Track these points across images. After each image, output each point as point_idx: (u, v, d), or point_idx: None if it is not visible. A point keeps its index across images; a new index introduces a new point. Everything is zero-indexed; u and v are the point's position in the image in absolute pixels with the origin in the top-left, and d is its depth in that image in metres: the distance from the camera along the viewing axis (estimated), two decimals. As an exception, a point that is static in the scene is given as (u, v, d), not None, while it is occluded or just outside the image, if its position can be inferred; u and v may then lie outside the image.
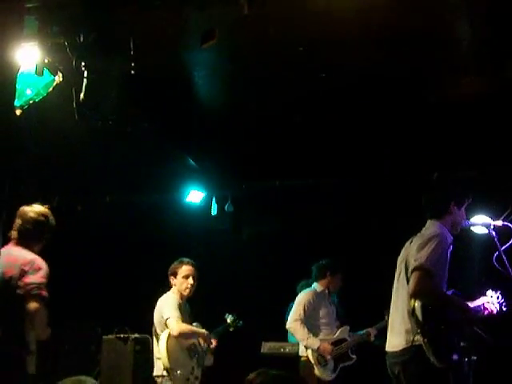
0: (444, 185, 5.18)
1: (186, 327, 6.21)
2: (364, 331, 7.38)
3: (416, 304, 4.54)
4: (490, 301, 4.90)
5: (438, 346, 4.46)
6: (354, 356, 7.32)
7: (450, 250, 4.81)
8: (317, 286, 7.46)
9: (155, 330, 6.29)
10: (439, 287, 4.63)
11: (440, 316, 4.56)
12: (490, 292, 4.92)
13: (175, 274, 6.46)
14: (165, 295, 6.41)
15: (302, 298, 7.37)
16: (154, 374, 6.21)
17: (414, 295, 4.56)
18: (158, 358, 6.13)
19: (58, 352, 8.54)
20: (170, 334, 6.09)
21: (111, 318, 8.27)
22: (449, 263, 4.78)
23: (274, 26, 5.27)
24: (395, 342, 4.75)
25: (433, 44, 5.51)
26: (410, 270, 4.63)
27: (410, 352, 4.56)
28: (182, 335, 6.15)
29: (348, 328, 7.38)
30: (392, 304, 4.89)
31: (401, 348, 4.66)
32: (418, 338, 4.49)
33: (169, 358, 6.01)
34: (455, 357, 4.53)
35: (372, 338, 7.26)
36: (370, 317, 7.34)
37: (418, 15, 5.12)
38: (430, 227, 4.87)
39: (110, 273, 9.06)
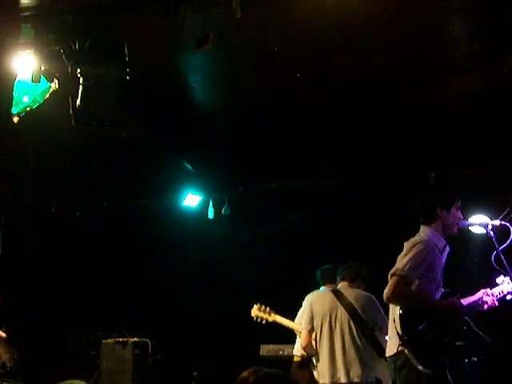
0: (428, 191, 5.15)
1: None
2: None
3: (396, 313, 4.58)
4: (495, 291, 4.85)
5: (422, 354, 4.46)
6: None
7: (444, 254, 4.83)
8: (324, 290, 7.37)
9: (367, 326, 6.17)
10: (415, 292, 4.64)
11: (423, 322, 4.54)
12: (501, 277, 4.88)
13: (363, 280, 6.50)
14: (370, 296, 6.27)
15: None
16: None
17: (387, 300, 4.64)
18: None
19: (57, 356, 8.55)
20: None
21: (110, 323, 8.28)
22: (443, 266, 4.81)
23: (268, 29, 5.29)
24: (389, 347, 4.79)
25: (428, 42, 5.53)
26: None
27: (401, 357, 4.57)
28: None
29: None
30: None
31: (392, 353, 4.69)
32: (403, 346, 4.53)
33: None
34: (447, 360, 4.52)
35: None
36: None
37: (414, 14, 5.14)
38: (421, 233, 4.91)
39: (109, 277, 9.06)
